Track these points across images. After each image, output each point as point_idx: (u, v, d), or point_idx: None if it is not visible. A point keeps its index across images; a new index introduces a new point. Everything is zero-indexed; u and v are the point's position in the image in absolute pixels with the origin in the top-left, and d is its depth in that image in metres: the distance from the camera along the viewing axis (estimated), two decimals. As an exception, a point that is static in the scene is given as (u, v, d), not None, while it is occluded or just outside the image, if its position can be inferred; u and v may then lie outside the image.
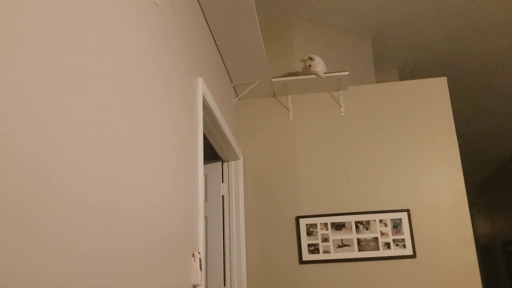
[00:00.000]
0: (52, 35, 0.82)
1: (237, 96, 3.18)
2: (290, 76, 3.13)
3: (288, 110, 3.23)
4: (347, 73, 3.04)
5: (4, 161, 0.65)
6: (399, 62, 4.03)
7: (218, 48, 2.62)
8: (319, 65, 2.98)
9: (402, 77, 4.18)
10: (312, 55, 2.98)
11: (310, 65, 2.95)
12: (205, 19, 2.33)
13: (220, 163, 2.98)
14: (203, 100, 2.09)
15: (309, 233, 2.85)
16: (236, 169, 3.01)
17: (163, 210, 1.40)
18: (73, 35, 0.89)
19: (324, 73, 3.04)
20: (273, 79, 3.06)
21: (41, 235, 0.73)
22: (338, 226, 2.85)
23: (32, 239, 0.70)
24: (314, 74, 3.06)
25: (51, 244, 0.75)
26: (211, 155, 2.96)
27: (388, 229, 2.77)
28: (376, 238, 2.77)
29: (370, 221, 2.83)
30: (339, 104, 3.19)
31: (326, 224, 2.85)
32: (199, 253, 1.69)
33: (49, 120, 0.80)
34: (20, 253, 0.66)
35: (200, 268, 1.65)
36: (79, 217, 0.86)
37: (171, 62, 1.62)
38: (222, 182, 2.96)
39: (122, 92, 1.15)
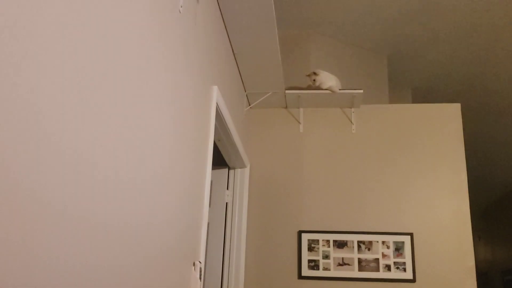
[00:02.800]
0: (72, 35, 0.81)
1: (249, 105, 3.19)
2: (303, 89, 3.12)
3: (299, 122, 3.24)
4: (361, 91, 3.05)
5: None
6: (413, 83, 4.03)
7: (234, 56, 2.63)
8: (327, 81, 2.98)
9: (415, 99, 4.18)
10: (316, 70, 2.98)
11: (314, 80, 2.94)
12: (225, 27, 2.33)
13: (226, 169, 2.96)
14: (216, 108, 2.09)
15: (310, 249, 2.84)
16: (242, 177, 3.00)
17: (169, 217, 1.38)
18: (94, 36, 0.89)
19: (339, 89, 3.07)
20: (286, 91, 3.06)
21: (40, 245, 0.70)
22: (340, 244, 2.82)
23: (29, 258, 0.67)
24: (329, 89, 3.06)
25: (49, 251, 0.73)
26: (218, 161, 2.94)
27: (390, 251, 2.75)
28: (377, 259, 2.75)
29: (373, 242, 2.81)
30: (351, 122, 3.20)
31: (328, 241, 2.83)
32: (200, 262, 1.66)
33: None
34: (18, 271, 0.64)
35: (200, 278, 1.61)
36: (78, 222, 0.83)
37: (188, 69, 1.62)
38: (227, 189, 2.94)
39: (137, 95, 1.13)
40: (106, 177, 0.92)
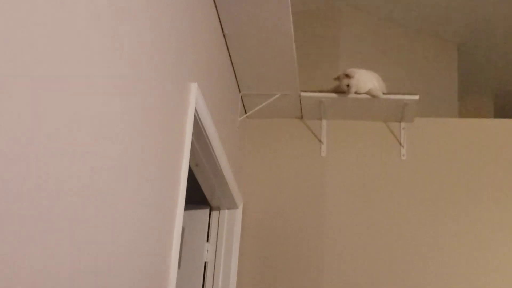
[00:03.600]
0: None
1: (246, 113, 3.25)
2: (328, 91, 3.16)
3: (321, 142, 3.27)
4: (417, 97, 3.07)
5: None
6: (497, 87, 4.08)
7: (225, 39, 2.68)
8: (366, 82, 3.07)
9: (498, 110, 4.22)
10: (350, 71, 3.05)
11: (348, 85, 3.02)
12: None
13: (207, 211, 3.00)
14: (194, 115, 2.11)
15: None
16: (230, 222, 3.03)
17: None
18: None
19: (383, 93, 3.09)
20: (302, 93, 3.11)
21: None
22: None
23: None
24: (367, 94, 3.08)
25: None
26: (194, 197, 2.92)
27: None
28: None
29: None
30: (399, 143, 3.22)
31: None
32: None
33: None
34: None
35: None
36: None
37: (152, 56, 1.64)
38: (207, 241, 2.96)
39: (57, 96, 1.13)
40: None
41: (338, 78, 3.08)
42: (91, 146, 1.25)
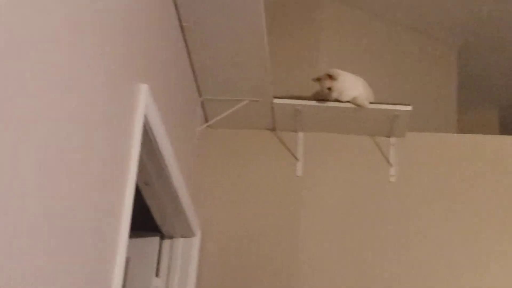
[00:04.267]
0: None
1: (207, 121, 3.24)
2: (306, 98, 3.17)
3: (296, 158, 3.26)
4: (410, 108, 3.09)
5: None
6: (502, 98, 4.13)
7: (183, 32, 2.65)
8: (351, 88, 3.09)
9: (503, 125, 4.27)
10: (333, 71, 3.05)
11: (330, 88, 3.02)
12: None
13: (157, 239, 2.96)
14: (144, 123, 2.10)
15: None
16: (186, 253, 3.00)
17: None
18: None
19: (370, 102, 3.10)
20: (275, 100, 3.11)
21: None
22: None
23: None
24: (352, 102, 3.09)
25: None
26: (142, 223, 2.85)
27: None
28: None
29: None
30: (388, 162, 3.23)
31: None
32: None
33: None
34: None
35: None
36: None
37: (91, 50, 1.63)
38: (157, 275, 2.91)
39: None
40: None
41: (318, 80, 3.07)
42: (9, 157, 1.20)
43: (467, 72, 3.93)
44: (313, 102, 3.14)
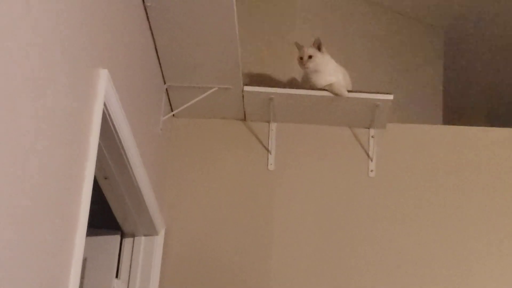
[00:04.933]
0: None
1: (172, 110, 3.27)
2: (280, 86, 3.23)
3: (268, 151, 3.31)
4: (391, 97, 3.14)
5: None
6: (491, 87, 4.14)
7: (146, 12, 2.66)
8: (329, 71, 3.15)
9: (492, 115, 4.31)
10: (311, 49, 3.14)
11: (310, 57, 3.11)
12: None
13: (117, 238, 2.98)
14: (104, 112, 2.08)
15: None
16: (148, 253, 3.01)
17: None
18: None
19: (348, 90, 3.14)
20: (246, 88, 3.15)
21: None
22: None
23: None
24: (328, 90, 3.13)
25: None
26: (100, 219, 2.85)
27: None
28: None
29: None
30: (367, 155, 3.28)
31: None
32: None
33: None
34: None
35: None
36: None
37: (43, 31, 1.57)
38: (117, 277, 2.92)
39: None
40: None
41: (299, 49, 3.16)
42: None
43: (453, 58, 3.96)
44: (287, 90, 3.19)
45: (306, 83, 3.24)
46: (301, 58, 3.14)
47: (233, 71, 3.03)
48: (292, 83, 3.25)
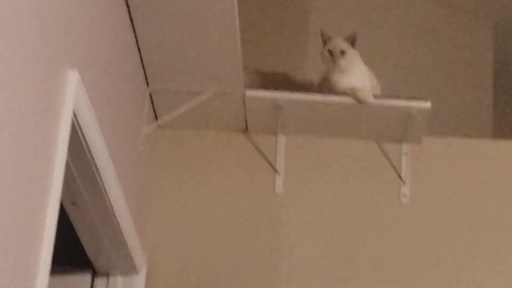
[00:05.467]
0: None
1: (157, 119, 3.26)
2: (291, 89, 3.22)
3: (276, 170, 3.31)
4: (429, 104, 3.11)
5: None
6: None
7: (128, 5, 2.68)
8: (357, 75, 3.18)
9: None
10: (343, 44, 3.16)
11: (343, 52, 3.13)
12: None
13: (88, 278, 2.98)
14: (72, 121, 2.08)
15: None
16: None
17: None
18: None
19: (374, 96, 3.14)
20: (248, 92, 3.14)
21: None
22: None
23: None
24: (350, 94, 3.13)
25: None
26: (68, 254, 2.85)
27: None
28: None
29: None
30: (399, 177, 3.27)
31: None
32: None
33: None
34: None
35: None
36: None
37: (5, 29, 1.57)
38: None
39: None
40: None
41: (328, 39, 3.18)
42: None
43: (506, 56, 3.92)
44: (299, 95, 3.18)
45: (324, 85, 3.25)
46: (330, 52, 3.15)
47: (233, 70, 3.02)
48: (305, 87, 3.27)
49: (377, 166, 3.32)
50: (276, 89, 3.22)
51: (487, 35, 3.84)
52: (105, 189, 2.48)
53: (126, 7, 2.70)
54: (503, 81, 4.04)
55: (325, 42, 3.20)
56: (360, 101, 3.13)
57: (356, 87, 3.14)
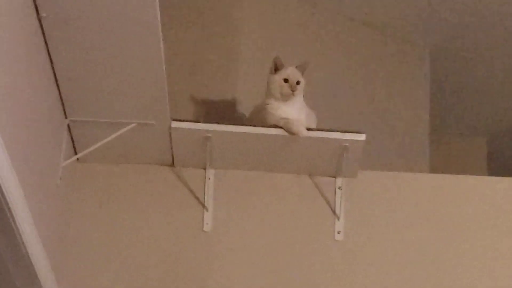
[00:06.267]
0: None
1: (76, 153, 3.23)
2: (221, 122, 3.18)
3: (204, 206, 3.26)
4: (363, 137, 3.13)
5: None
6: (490, 122, 4.28)
7: (42, 28, 2.62)
8: (293, 109, 3.19)
9: (492, 158, 4.40)
10: (303, 65, 3.24)
11: (299, 83, 3.17)
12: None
13: None
14: None
15: None
16: None
17: None
18: None
19: (308, 129, 3.13)
20: (174, 123, 3.11)
21: None
22: None
23: None
24: (283, 126, 3.11)
25: None
26: None
27: None
28: None
29: None
30: (333, 212, 3.26)
31: None
32: None
33: None
34: None
35: None
36: None
37: None
38: None
39: None
40: None
41: (278, 65, 3.19)
42: None
43: (442, 84, 4.06)
44: (229, 127, 3.14)
45: (256, 116, 3.25)
46: (286, 81, 3.15)
47: (158, 101, 2.99)
48: (235, 118, 3.26)
49: (311, 201, 3.31)
50: (205, 120, 3.20)
51: (420, 66, 3.94)
52: (17, 232, 2.38)
53: (42, 35, 2.66)
54: (442, 113, 4.19)
55: (276, 69, 3.19)
56: (292, 133, 3.12)
57: (292, 118, 3.14)
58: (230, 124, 3.19)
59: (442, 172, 3.64)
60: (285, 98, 3.15)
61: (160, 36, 2.69)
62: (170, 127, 3.10)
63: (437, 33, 3.84)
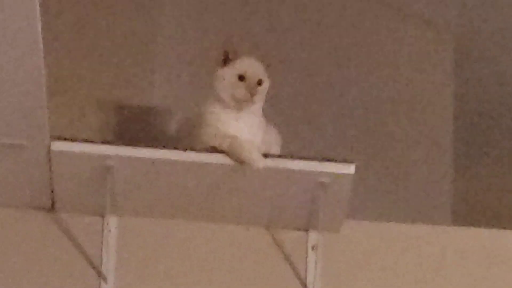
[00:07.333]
0: None
1: None
2: (126, 142, 2.73)
3: (101, 275, 2.78)
4: (352, 169, 2.61)
5: None
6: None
7: None
8: (255, 119, 2.68)
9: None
10: (267, 60, 2.69)
11: (260, 83, 2.61)
12: None
13: None
14: None
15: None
16: None
17: None
18: None
19: (265, 155, 2.55)
20: (55, 145, 2.57)
21: None
22: None
23: None
24: (224, 149, 2.57)
25: None
26: None
27: None
28: None
29: None
30: (302, 283, 2.80)
31: None
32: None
33: None
34: None
35: None
36: None
37: None
38: None
39: None
40: None
41: (229, 52, 2.64)
42: None
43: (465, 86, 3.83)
44: (143, 151, 2.53)
45: (188, 135, 2.75)
46: (242, 79, 2.58)
47: (31, 111, 2.54)
48: (151, 137, 2.86)
49: (269, 268, 2.78)
50: (104, 140, 2.64)
51: (447, 54, 3.69)
52: None
53: None
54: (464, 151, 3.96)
55: (225, 62, 2.64)
56: (241, 161, 2.49)
57: (242, 138, 2.56)
58: (143, 146, 2.56)
59: (470, 224, 3.19)
60: (239, 105, 2.59)
61: (39, 40, 2.14)
62: (49, 150, 2.53)
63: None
